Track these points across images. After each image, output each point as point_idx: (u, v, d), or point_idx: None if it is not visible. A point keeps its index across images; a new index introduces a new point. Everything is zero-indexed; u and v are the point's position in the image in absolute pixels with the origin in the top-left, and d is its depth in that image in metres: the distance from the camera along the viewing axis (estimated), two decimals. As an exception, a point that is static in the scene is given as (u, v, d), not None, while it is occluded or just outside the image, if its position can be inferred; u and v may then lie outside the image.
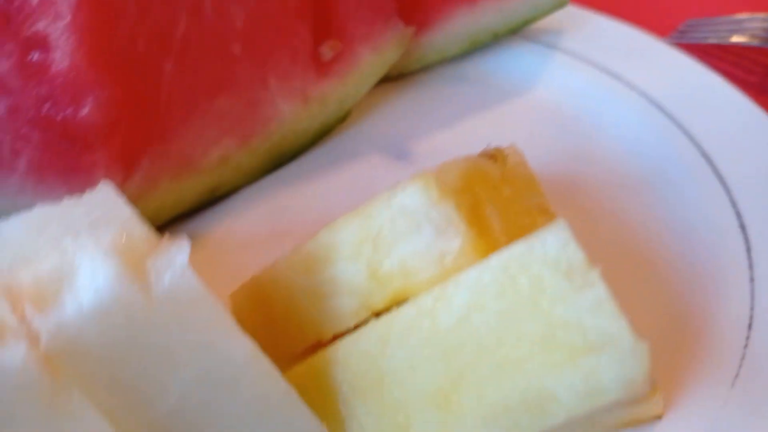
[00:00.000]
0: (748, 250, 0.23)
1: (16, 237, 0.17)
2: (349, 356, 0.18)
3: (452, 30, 0.32)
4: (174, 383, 0.16)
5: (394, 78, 0.33)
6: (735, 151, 0.26)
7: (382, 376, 0.17)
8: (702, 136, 0.26)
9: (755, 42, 0.35)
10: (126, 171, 0.24)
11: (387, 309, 0.18)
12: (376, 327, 0.17)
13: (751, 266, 0.23)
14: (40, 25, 0.21)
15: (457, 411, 0.16)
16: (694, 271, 0.24)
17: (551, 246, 0.14)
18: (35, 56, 0.21)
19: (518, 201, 0.19)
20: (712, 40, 0.36)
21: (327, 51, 0.28)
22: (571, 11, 0.34)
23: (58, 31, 0.20)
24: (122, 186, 0.24)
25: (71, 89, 0.22)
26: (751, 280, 0.23)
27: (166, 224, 0.26)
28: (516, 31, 0.33)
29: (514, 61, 0.34)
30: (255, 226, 0.28)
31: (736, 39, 0.35)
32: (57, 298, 0.15)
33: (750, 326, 0.21)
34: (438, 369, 0.16)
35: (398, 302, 0.17)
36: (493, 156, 0.20)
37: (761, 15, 0.36)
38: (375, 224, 0.18)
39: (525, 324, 0.15)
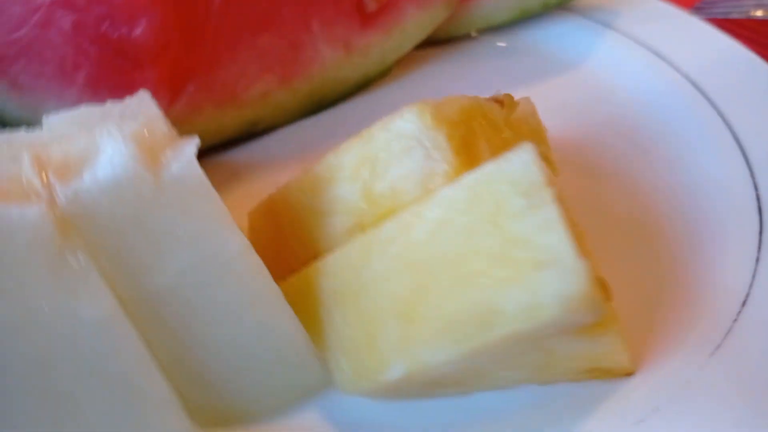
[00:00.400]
0: (761, 232, 0.23)
1: (58, 125, 0.20)
2: (334, 268, 0.19)
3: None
4: (171, 262, 0.18)
5: (440, 41, 0.34)
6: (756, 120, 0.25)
7: (360, 288, 0.18)
8: (724, 104, 0.26)
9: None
10: (172, 94, 0.26)
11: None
12: (360, 241, 0.19)
13: (760, 247, 0.22)
14: None
15: (417, 322, 0.17)
16: (701, 237, 0.23)
17: (515, 166, 0.15)
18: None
19: (515, 143, 0.20)
20: (735, 15, 0.35)
21: (371, 2, 0.29)
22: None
23: None
24: (168, 108, 0.26)
25: (127, 10, 0.24)
26: (757, 260, 0.22)
27: (206, 151, 0.29)
28: (564, 4, 0.34)
29: (558, 32, 0.34)
30: (288, 162, 0.29)
31: (758, 13, 0.34)
32: (78, 170, 0.17)
33: (744, 303, 0.21)
34: (406, 281, 0.17)
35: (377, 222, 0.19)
36: (500, 101, 0.21)
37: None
38: (373, 147, 0.19)
39: (484, 239, 0.16)
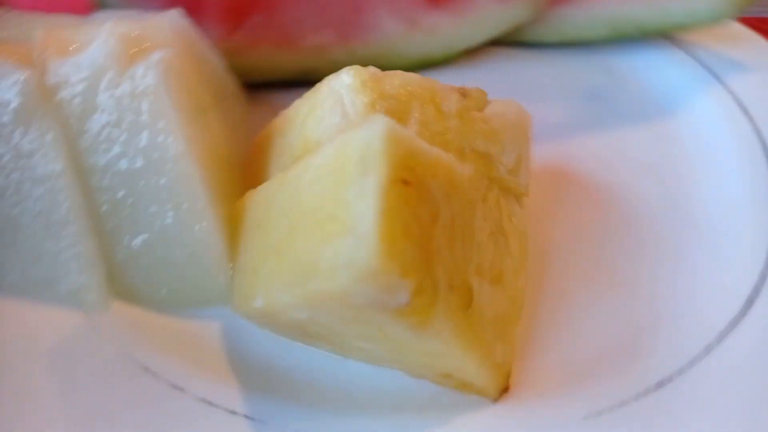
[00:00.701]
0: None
1: (100, 18, 0.24)
2: (255, 200, 0.21)
3: (594, 10, 0.31)
4: (113, 145, 0.20)
5: (528, 44, 0.33)
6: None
7: (262, 221, 0.20)
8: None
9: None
10: (232, 25, 0.29)
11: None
12: (274, 179, 0.20)
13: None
14: None
15: (281, 262, 0.18)
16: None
17: (365, 134, 0.15)
18: None
19: (460, 138, 0.20)
20: None
21: (442, -15, 0.29)
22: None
23: None
24: (227, 38, 0.29)
25: None
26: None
27: (257, 86, 0.31)
28: (666, 33, 0.31)
29: (654, 64, 0.31)
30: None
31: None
32: (71, 52, 0.20)
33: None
34: (285, 222, 0.18)
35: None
36: (465, 92, 0.20)
37: None
38: (317, 99, 0.20)
39: (330, 196, 0.16)
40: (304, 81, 0.31)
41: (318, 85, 0.21)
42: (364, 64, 0.31)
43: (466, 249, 0.17)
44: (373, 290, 0.15)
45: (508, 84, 0.31)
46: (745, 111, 0.28)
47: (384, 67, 0.31)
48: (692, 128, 0.28)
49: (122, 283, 0.22)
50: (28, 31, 0.22)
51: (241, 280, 0.20)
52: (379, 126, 0.15)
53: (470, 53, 0.32)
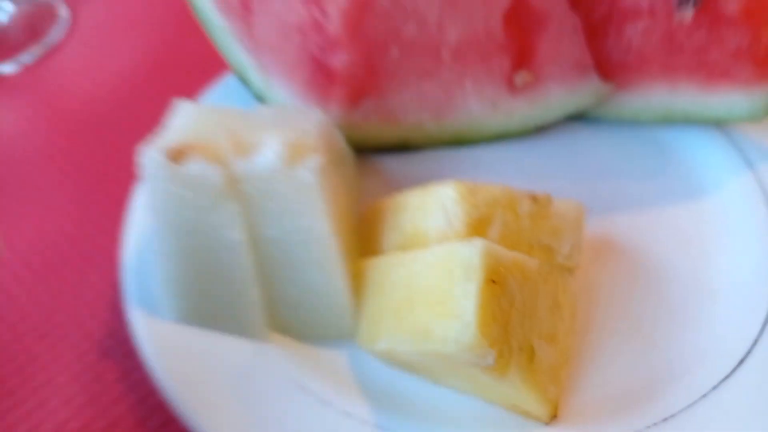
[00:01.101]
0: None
1: (264, 113, 0.32)
2: (378, 266, 0.29)
3: (646, 99, 0.37)
4: (278, 224, 0.28)
5: (591, 117, 0.39)
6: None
7: (384, 285, 0.28)
8: None
9: None
10: (351, 105, 0.37)
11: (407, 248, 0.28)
12: (395, 256, 0.28)
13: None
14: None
15: (400, 320, 0.26)
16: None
17: (465, 250, 0.23)
18: (318, 15, 0.34)
19: (531, 235, 0.27)
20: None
21: (520, 78, 0.36)
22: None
23: (335, 8, 0.33)
24: (347, 114, 0.37)
25: (335, 44, 0.35)
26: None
27: (368, 152, 0.39)
28: (710, 123, 0.37)
29: (698, 147, 0.37)
30: (423, 176, 0.38)
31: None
32: (250, 152, 0.28)
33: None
34: (403, 292, 0.26)
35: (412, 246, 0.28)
36: (535, 198, 0.28)
37: None
38: (425, 199, 0.28)
39: (439, 287, 0.24)
40: (403, 148, 0.39)
41: (428, 188, 0.28)
42: (452, 135, 0.39)
43: (531, 321, 0.25)
44: (471, 356, 0.22)
45: (571, 155, 0.38)
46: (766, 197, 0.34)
47: (467, 138, 0.39)
48: (721, 208, 0.34)
49: (280, 320, 0.30)
50: (210, 128, 0.30)
51: (365, 325, 0.28)
52: (477, 246, 0.23)
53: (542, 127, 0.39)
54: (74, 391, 0.32)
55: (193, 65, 0.50)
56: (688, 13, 0.32)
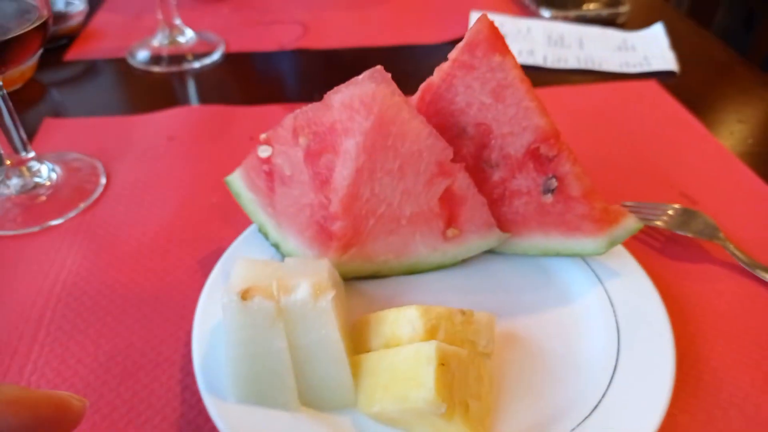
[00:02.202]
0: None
1: (291, 262, 0.50)
2: (369, 359, 0.46)
3: (529, 242, 0.57)
4: (306, 336, 0.46)
5: (497, 252, 0.60)
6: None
7: (375, 370, 0.45)
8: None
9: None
10: (342, 253, 0.55)
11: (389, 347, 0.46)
12: (381, 352, 0.45)
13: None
14: (329, 165, 0.53)
15: (387, 391, 0.43)
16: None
17: (428, 347, 0.41)
18: (324, 199, 0.53)
19: (462, 335, 0.46)
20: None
21: (450, 232, 0.56)
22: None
23: (336, 197, 0.52)
24: (339, 258, 0.56)
25: (333, 217, 0.54)
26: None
27: (350, 279, 0.57)
28: (573, 255, 0.57)
29: (568, 268, 0.58)
30: (388, 293, 0.57)
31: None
32: (290, 291, 0.46)
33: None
34: (388, 374, 0.43)
35: (392, 345, 0.46)
36: (463, 312, 0.47)
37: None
38: (399, 316, 0.46)
39: (411, 371, 0.41)
40: (374, 277, 0.58)
41: (399, 309, 0.47)
42: (407, 268, 0.58)
43: (465, 387, 0.43)
44: (432, 408, 0.40)
45: (485, 277, 0.58)
46: (611, 302, 0.54)
47: (418, 270, 0.58)
48: (583, 308, 0.53)
49: (307, 397, 0.47)
50: (262, 275, 0.48)
51: (363, 397, 0.45)
52: (432, 344, 0.41)
53: (465, 260, 0.59)
54: (163, 456, 0.47)
55: (212, 213, 0.68)
56: (549, 196, 0.53)
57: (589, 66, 1.00)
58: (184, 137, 0.81)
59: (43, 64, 0.99)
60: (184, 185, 0.73)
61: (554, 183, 0.52)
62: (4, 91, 0.62)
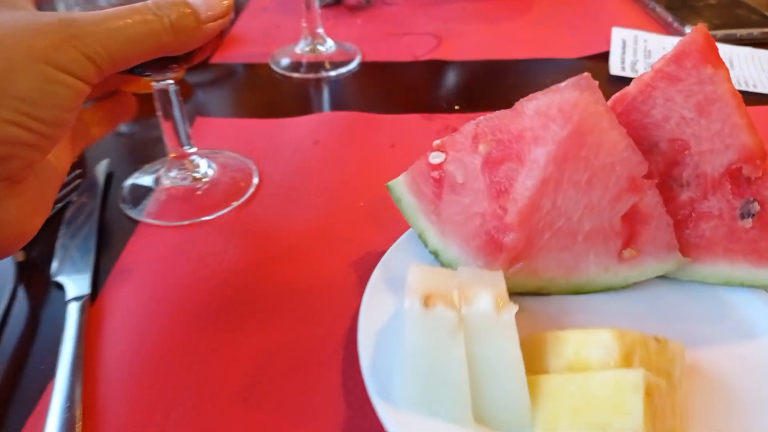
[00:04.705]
0: None
1: (463, 271, 0.48)
2: (550, 382, 0.44)
3: (710, 269, 0.53)
4: (482, 347, 0.44)
5: (671, 277, 0.56)
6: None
7: (555, 395, 0.42)
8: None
9: None
10: (509, 265, 0.53)
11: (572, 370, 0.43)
12: (565, 376, 0.43)
13: None
14: (510, 174, 0.52)
15: (576, 418, 0.40)
16: None
17: (635, 376, 0.38)
18: (499, 210, 0.51)
19: (657, 361, 0.42)
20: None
21: (626, 253, 0.53)
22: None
23: (514, 208, 0.51)
24: (506, 270, 0.54)
25: (506, 228, 0.52)
26: None
27: (513, 295, 0.55)
28: (758, 287, 0.53)
29: (750, 301, 0.53)
30: (551, 312, 0.54)
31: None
32: (471, 301, 0.45)
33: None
34: (574, 401, 0.41)
35: (576, 369, 0.43)
36: (657, 340, 0.43)
37: None
38: (586, 337, 0.44)
39: (610, 401, 0.39)
40: (537, 294, 0.56)
41: (587, 330, 0.44)
42: (575, 289, 0.55)
43: (663, 420, 0.40)
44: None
45: (656, 304, 0.54)
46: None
47: (585, 291, 0.55)
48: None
49: (480, 414, 0.45)
50: (440, 283, 0.47)
51: (542, 420, 0.43)
52: (641, 372, 0.38)
53: (636, 283, 0.55)
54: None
55: (360, 217, 0.68)
56: (749, 221, 0.49)
57: (742, 87, 0.94)
58: (329, 142, 0.82)
59: (190, 66, 1.03)
60: (331, 189, 0.74)
61: (756, 207, 0.48)
62: (177, 87, 0.64)
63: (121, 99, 0.55)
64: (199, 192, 0.69)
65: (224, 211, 0.67)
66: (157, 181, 0.70)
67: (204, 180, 0.71)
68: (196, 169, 0.71)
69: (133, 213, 0.66)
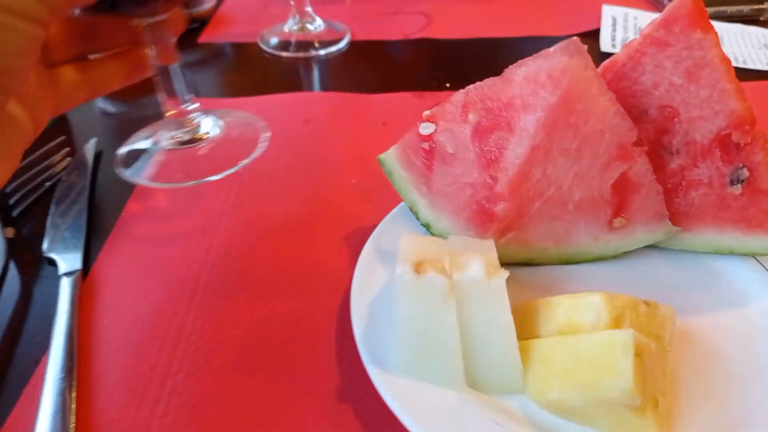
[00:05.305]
0: None
1: (455, 240, 0.48)
2: (542, 343, 0.44)
3: (700, 237, 0.54)
4: (474, 312, 0.44)
5: (658, 246, 0.56)
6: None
7: (551, 356, 0.43)
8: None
9: None
10: (500, 236, 0.54)
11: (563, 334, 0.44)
12: (557, 338, 0.43)
13: None
14: (500, 143, 0.52)
15: (567, 378, 0.41)
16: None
17: (624, 335, 0.39)
18: (489, 179, 0.52)
19: (647, 325, 0.43)
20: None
21: (617, 221, 0.53)
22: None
23: (504, 177, 0.51)
24: (497, 239, 0.54)
25: (499, 197, 0.52)
26: None
27: (504, 265, 0.55)
28: (747, 254, 0.53)
29: (739, 268, 0.54)
30: (542, 282, 0.55)
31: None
32: (462, 268, 0.45)
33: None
34: (568, 359, 0.41)
35: (567, 333, 0.43)
36: (647, 303, 0.44)
37: None
38: (576, 301, 0.44)
39: (601, 359, 0.39)
40: (528, 264, 0.56)
41: (578, 295, 0.45)
42: (565, 257, 0.55)
43: (654, 382, 0.40)
44: (628, 401, 0.38)
45: (645, 272, 0.55)
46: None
47: (576, 260, 0.55)
48: (755, 309, 0.49)
49: (472, 378, 0.45)
50: (431, 250, 0.47)
51: (534, 383, 0.43)
52: (630, 333, 0.39)
53: (626, 252, 0.56)
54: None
55: (353, 192, 0.68)
56: (738, 187, 0.50)
57: (733, 64, 0.94)
58: (319, 121, 0.81)
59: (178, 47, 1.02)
60: (324, 166, 0.74)
61: (745, 173, 0.48)
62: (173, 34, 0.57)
63: (139, 53, 0.53)
64: (201, 152, 0.65)
65: (229, 171, 0.65)
66: (155, 143, 0.65)
67: (206, 138, 0.66)
68: (197, 128, 0.65)
69: (128, 174, 0.63)
